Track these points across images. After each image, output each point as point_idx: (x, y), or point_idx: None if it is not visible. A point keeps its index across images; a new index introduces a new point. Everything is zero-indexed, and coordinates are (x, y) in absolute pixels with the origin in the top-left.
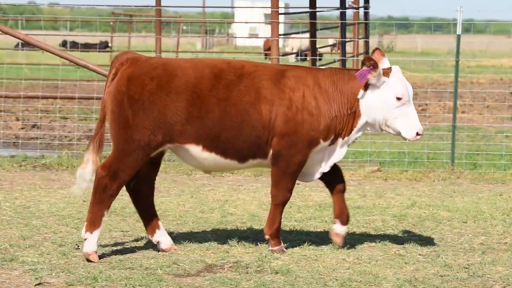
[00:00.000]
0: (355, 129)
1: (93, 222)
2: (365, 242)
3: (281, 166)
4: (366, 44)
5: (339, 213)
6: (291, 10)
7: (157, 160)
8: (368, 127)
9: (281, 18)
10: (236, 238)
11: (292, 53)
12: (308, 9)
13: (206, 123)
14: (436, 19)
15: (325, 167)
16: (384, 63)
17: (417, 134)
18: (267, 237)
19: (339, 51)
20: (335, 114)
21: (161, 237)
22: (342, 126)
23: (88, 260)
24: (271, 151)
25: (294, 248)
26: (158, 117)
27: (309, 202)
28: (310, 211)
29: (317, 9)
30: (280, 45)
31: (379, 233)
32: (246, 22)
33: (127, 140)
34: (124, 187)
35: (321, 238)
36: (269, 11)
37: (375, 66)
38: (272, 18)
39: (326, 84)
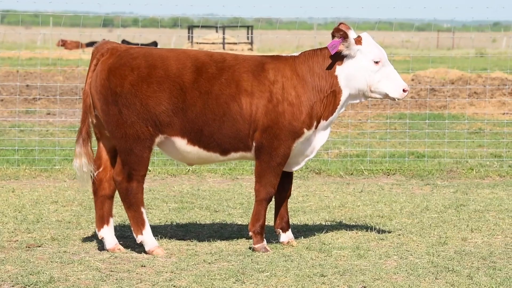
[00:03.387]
0: (339, 107)
1: (138, 224)
2: None
3: (264, 159)
4: None
5: (279, 222)
6: None
7: None
8: (351, 99)
9: None
10: None
11: None
12: None
13: (190, 116)
14: None
15: (312, 154)
16: (351, 34)
17: (404, 90)
18: (250, 233)
19: None
20: (315, 100)
21: (107, 234)
22: (323, 109)
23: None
24: (254, 144)
25: None
26: (141, 109)
27: None
28: None
29: None
30: None
31: None
32: None
33: (124, 138)
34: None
35: None
36: None
37: (345, 36)
38: None
39: (303, 71)
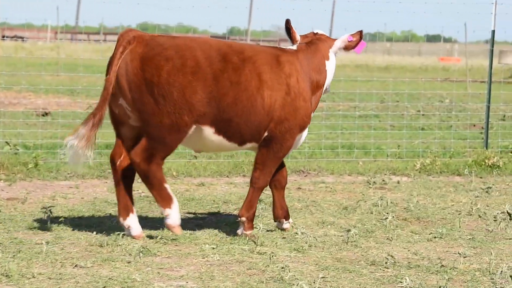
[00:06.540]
0: (319, 100)
1: (164, 199)
2: None
3: (273, 149)
4: None
5: (280, 213)
6: None
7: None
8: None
9: None
10: None
11: None
12: None
13: (222, 105)
14: None
15: (297, 145)
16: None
17: None
18: (243, 219)
19: None
20: (312, 95)
21: (133, 222)
22: (315, 103)
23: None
24: (265, 135)
25: None
26: (178, 99)
27: None
28: None
29: None
30: None
31: None
32: None
33: (159, 126)
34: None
35: None
36: None
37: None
38: None
39: (304, 66)
